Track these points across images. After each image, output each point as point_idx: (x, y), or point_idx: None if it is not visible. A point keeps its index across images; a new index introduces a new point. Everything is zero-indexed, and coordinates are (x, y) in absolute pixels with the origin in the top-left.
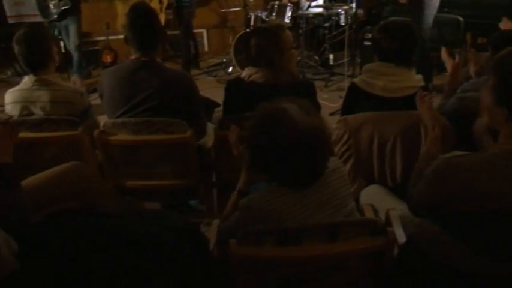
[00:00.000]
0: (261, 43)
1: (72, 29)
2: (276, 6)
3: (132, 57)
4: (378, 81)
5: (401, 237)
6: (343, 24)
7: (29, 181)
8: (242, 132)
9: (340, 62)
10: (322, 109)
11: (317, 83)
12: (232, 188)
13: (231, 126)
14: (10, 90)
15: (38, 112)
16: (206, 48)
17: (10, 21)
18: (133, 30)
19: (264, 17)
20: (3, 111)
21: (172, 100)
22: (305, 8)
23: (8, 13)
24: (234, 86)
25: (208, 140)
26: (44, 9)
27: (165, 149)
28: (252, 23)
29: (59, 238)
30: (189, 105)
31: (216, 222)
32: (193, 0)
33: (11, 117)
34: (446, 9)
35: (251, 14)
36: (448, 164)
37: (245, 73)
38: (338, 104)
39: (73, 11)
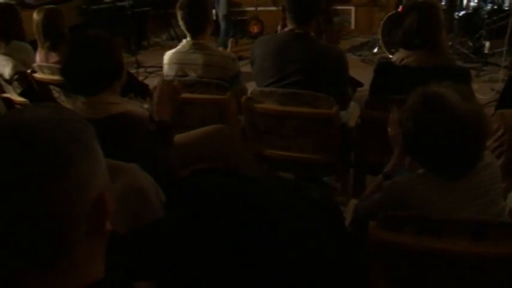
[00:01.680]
0: (420, 20)
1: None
2: None
3: (287, 28)
4: None
5: None
6: (506, 8)
7: (177, 138)
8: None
9: (497, 50)
10: None
11: None
12: (369, 170)
13: (393, 107)
14: (169, 52)
15: (191, 74)
16: (352, 27)
17: None
18: (291, 2)
19: None
20: (156, 72)
21: (321, 74)
22: None
23: None
24: (384, 69)
25: (351, 118)
26: None
27: (309, 123)
28: (404, 2)
29: (202, 195)
30: (337, 82)
31: (353, 201)
32: None
33: (174, 80)
34: None
35: None
36: None
37: (397, 56)
38: (489, 96)
39: None
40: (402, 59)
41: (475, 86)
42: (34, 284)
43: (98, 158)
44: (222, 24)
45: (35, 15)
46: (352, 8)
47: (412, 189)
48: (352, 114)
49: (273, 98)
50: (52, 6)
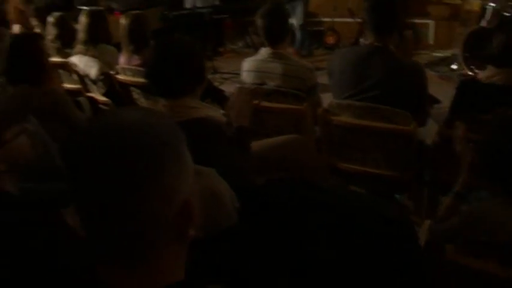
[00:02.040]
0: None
1: (299, 8)
2: None
3: (367, 41)
4: None
5: None
6: None
7: (253, 146)
8: (471, 135)
9: None
10: None
11: None
12: (444, 191)
13: (456, 122)
14: (248, 59)
15: (269, 83)
16: (431, 41)
17: None
18: (371, 14)
19: (506, 13)
20: (231, 78)
21: (399, 90)
22: None
23: None
24: (468, 87)
25: (428, 136)
26: None
27: (385, 138)
28: (488, 18)
29: (277, 204)
30: (415, 98)
31: (427, 222)
32: None
33: (251, 87)
34: None
35: (489, 5)
36: None
37: (484, 74)
38: None
39: None
40: (489, 77)
41: None
42: (117, 280)
43: (187, 164)
44: (298, 34)
45: (123, 20)
46: (431, 22)
47: (493, 216)
48: (429, 131)
49: (350, 111)
50: (138, 11)
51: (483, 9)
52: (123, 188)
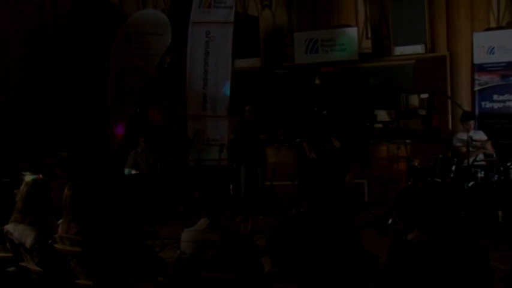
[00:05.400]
0: (432, 204)
1: (260, 173)
2: (439, 159)
3: (302, 209)
4: None
5: None
6: None
7: None
8: None
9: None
10: None
11: (483, 241)
12: None
13: None
14: (187, 230)
15: (208, 253)
16: (366, 199)
17: (190, 164)
18: (305, 187)
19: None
20: (173, 243)
21: (336, 253)
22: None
23: (190, 157)
24: (399, 247)
25: None
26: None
27: None
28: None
29: None
30: (350, 260)
31: None
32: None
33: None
34: None
35: (414, 166)
36: None
37: (413, 235)
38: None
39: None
40: (418, 238)
41: (494, 255)
42: None
43: None
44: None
45: (66, 190)
46: (365, 181)
47: None
48: None
49: (290, 278)
50: (82, 182)
51: (410, 169)
52: None
